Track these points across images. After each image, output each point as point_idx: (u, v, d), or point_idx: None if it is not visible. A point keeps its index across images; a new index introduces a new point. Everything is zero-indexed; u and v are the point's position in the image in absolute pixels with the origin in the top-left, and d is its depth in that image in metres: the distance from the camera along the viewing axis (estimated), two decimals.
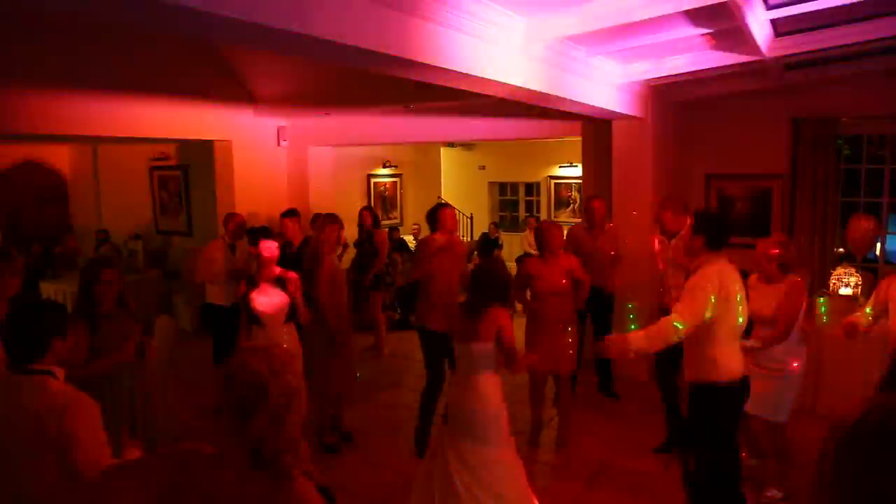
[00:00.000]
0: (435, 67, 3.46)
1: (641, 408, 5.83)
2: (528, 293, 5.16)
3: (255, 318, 4.63)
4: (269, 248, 4.71)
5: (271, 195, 8.89)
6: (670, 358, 4.54)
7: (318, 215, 5.81)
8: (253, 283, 4.67)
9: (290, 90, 7.85)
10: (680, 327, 3.43)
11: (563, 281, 4.98)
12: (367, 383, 6.60)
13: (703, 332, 3.49)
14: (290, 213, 7.24)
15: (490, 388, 3.65)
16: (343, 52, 3.04)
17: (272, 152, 9.03)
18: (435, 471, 3.69)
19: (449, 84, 3.92)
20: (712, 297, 3.43)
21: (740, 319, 3.60)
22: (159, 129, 7.51)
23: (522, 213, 15.06)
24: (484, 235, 13.31)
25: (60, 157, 11.20)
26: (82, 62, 5.92)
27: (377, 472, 4.92)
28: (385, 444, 5.40)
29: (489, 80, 3.91)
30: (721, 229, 3.65)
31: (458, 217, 5.57)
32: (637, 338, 3.51)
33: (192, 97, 7.34)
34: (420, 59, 3.30)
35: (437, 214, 5.25)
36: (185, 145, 9.66)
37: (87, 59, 5.90)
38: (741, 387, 3.61)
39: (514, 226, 15.09)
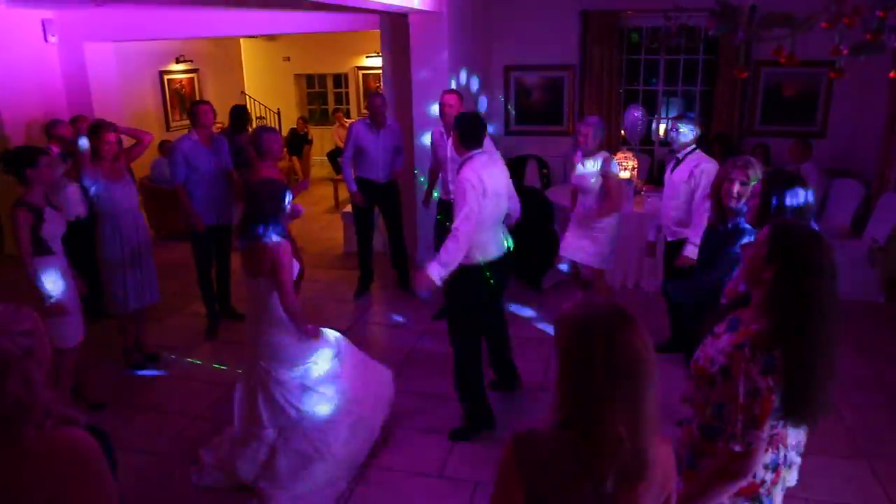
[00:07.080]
0: None
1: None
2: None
3: (44, 247, 4.15)
4: (52, 168, 4.23)
5: (45, 100, 7.96)
6: None
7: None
8: (33, 210, 4.06)
9: None
10: (463, 231, 3.67)
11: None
12: (179, 296, 6.49)
13: None
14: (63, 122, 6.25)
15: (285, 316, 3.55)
16: None
17: (39, 50, 8.00)
18: (256, 398, 3.63)
19: None
20: (476, 197, 3.68)
21: (500, 206, 3.90)
22: None
23: (332, 105, 14.71)
24: (292, 131, 12.90)
25: None
26: None
27: (190, 385, 4.90)
28: (196, 356, 5.41)
29: None
30: (473, 127, 3.82)
31: (216, 112, 5.69)
32: (437, 268, 3.69)
33: None
34: None
35: (194, 110, 5.50)
36: None
37: None
38: (494, 264, 3.92)
39: (324, 119, 14.73)
